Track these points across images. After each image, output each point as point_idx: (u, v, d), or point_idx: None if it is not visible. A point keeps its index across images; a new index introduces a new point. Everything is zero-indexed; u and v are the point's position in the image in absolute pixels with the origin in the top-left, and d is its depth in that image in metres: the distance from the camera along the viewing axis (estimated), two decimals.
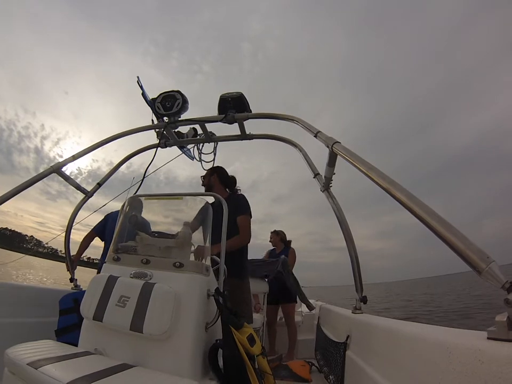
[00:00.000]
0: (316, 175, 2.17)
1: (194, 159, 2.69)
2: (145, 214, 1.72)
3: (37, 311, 2.09)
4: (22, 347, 1.11)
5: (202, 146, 2.66)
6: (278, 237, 3.99)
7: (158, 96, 2.23)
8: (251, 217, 2.24)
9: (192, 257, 1.50)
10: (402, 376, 1.11)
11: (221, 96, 2.26)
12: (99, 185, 2.55)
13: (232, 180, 2.42)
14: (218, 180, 2.37)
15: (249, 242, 2.24)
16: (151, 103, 2.23)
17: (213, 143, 2.60)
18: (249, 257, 2.43)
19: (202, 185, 2.41)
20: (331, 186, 2.06)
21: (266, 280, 3.46)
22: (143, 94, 2.25)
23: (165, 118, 2.31)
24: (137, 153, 2.62)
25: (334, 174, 1.94)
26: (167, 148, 2.59)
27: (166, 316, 1.13)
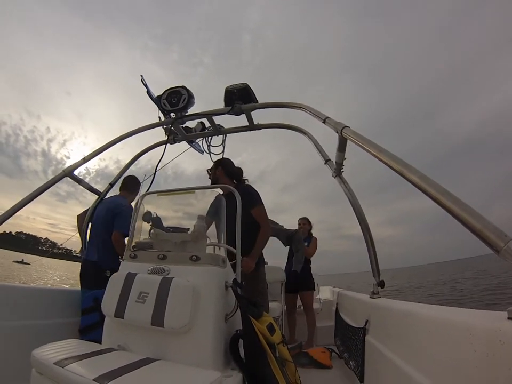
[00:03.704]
0: (327, 161, 2.15)
1: (204, 152, 2.70)
2: (158, 210, 1.74)
3: (58, 312, 2.15)
4: (48, 347, 1.14)
5: (211, 139, 2.66)
6: (309, 227, 3.97)
7: (163, 92, 2.24)
8: (263, 205, 2.25)
9: (208, 250, 1.50)
10: (423, 358, 1.11)
11: (226, 88, 2.24)
12: (111, 185, 2.59)
13: (239, 171, 2.41)
14: (223, 172, 2.36)
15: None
16: (157, 100, 2.24)
17: (222, 135, 2.59)
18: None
19: (209, 178, 2.42)
20: (342, 171, 2.04)
21: (283, 269, 3.54)
22: (148, 92, 2.25)
23: (172, 114, 2.31)
24: (147, 151, 2.65)
25: (345, 159, 1.92)
26: (176, 143, 2.61)
27: (186, 309, 1.14)
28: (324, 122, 1.81)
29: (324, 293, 4.54)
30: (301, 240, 3.61)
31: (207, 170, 2.44)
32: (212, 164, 2.48)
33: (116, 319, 1.25)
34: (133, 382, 0.91)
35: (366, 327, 1.85)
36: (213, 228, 1.65)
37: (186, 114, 2.26)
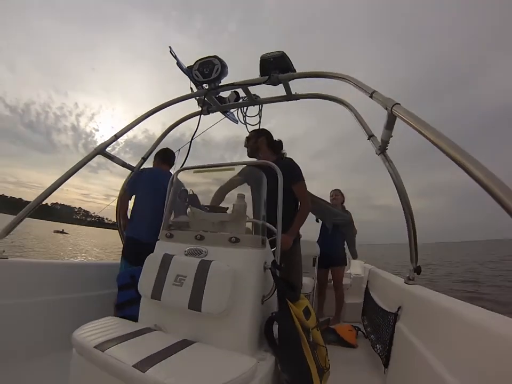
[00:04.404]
0: (370, 136, 2.02)
1: (239, 122, 2.60)
2: (194, 187, 1.73)
3: (96, 285, 2.28)
4: (87, 328, 1.17)
5: (247, 109, 2.55)
6: (342, 198, 3.82)
7: (195, 63, 2.12)
8: (305, 181, 2.17)
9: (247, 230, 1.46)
10: (453, 358, 1.08)
11: (261, 57, 2.09)
12: (144, 159, 2.59)
13: (279, 144, 2.31)
14: (266, 142, 2.26)
15: None
16: (188, 71, 2.13)
17: (258, 105, 2.47)
18: None
19: (246, 146, 2.30)
20: (387, 149, 1.91)
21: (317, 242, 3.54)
22: (178, 63, 2.14)
23: (205, 85, 2.22)
24: (180, 122, 2.60)
25: (392, 136, 1.77)
26: (210, 114, 2.53)
27: (225, 295, 1.14)
28: (371, 96, 1.65)
29: (355, 268, 4.49)
30: (353, 226, 3.64)
31: (246, 138, 2.32)
32: (241, 131, 2.40)
33: (153, 300, 1.27)
34: (171, 368, 0.92)
35: (398, 313, 1.82)
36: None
37: (220, 85, 2.15)
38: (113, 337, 1.10)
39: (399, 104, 1.47)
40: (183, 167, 1.71)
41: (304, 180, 2.16)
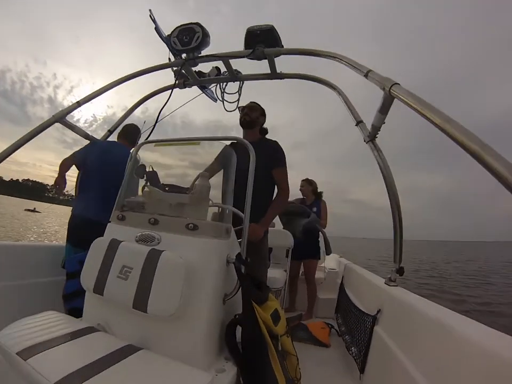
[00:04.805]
0: (359, 122, 1.84)
1: (218, 101, 2.38)
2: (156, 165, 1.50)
3: (43, 270, 2.00)
4: (18, 327, 0.97)
5: (226, 85, 2.31)
6: (310, 187, 3.59)
7: (174, 30, 1.86)
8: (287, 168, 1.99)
9: (209, 217, 1.26)
10: (438, 371, 1.01)
11: (248, 29, 1.86)
12: (110, 132, 2.33)
13: (267, 131, 2.11)
14: (262, 123, 2.06)
15: None
16: (167, 39, 1.88)
17: (238, 82, 2.24)
18: None
19: (244, 113, 1.99)
20: (377, 137, 1.73)
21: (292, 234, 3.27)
22: (157, 29, 1.89)
23: (183, 55, 1.97)
24: (153, 95, 2.32)
25: (384, 123, 1.59)
26: (186, 88, 2.28)
27: (175, 293, 0.92)
28: (366, 75, 1.46)
29: (330, 261, 4.31)
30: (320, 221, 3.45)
31: (243, 107, 2.03)
32: (221, 113, 2.18)
33: (95, 294, 1.06)
34: None
35: (376, 317, 1.68)
36: (217, 189, 1.42)
37: (199, 55, 1.91)
38: (46, 339, 0.90)
39: (399, 84, 1.29)
40: (145, 140, 1.47)
41: (286, 166, 1.97)
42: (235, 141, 1.46)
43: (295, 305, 3.46)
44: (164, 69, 2.02)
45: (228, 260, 1.11)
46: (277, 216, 3.40)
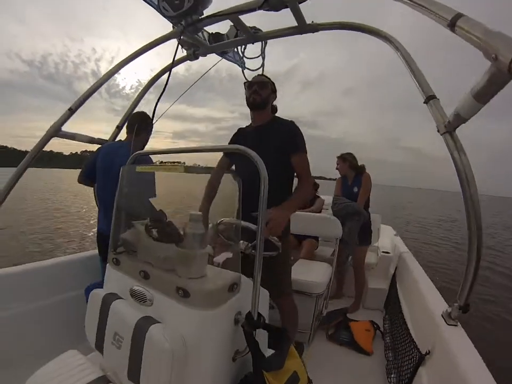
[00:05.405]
0: (430, 98, 1.20)
1: (241, 65, 1.97)
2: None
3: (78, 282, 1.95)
4: (40, 376, 0.93)
5: (245, 48, 1.88)
6: (346, 164, 2.95)
7: None
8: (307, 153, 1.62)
9: (211, 270, 0.97)
10: None
11: None
12: (118, 128, 2.08)
13: (276, 109, 1.73)
14: (273, 100, 1.69)
15: None
16: (156, 4, 1.46)
17: (260, 42, 1.78)
18: None
19: (253, 90, 1.61)
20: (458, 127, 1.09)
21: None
22: None
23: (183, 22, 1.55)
24: (162, 74, 1.94)
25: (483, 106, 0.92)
26: (200, 58, 1.90)
27: (163, 381, 0.77)
28: (451, 27, 0.85)
29: (384, 239, 3.70)
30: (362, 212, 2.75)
31: (258, 82, 1.64)
32: (263, 76, 1.74)
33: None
34: None
35: (424, 358, 1.37)
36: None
37: (200, 18, 1.46)
38: None
39: None
40: (141, 151, 1.22)
41: (306, 152, 1.59)
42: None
43: (342, 290, 3.16)
44: (162, 44, 1.63)
45: (236, 319, 0.90)
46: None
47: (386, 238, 3.77)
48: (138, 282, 0.97)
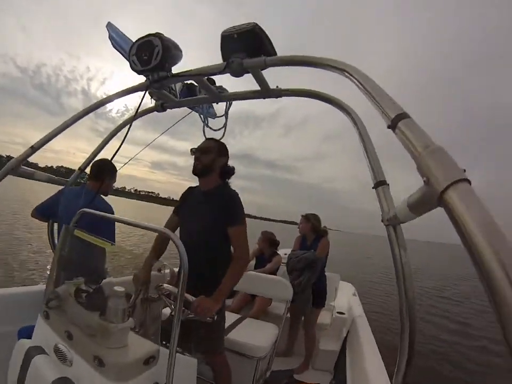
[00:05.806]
0: (379, 184, 1.09)
1: (204, 125, 1.99)
2: None
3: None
4: None
5: (209, 107, 1.96)
6: (309, 225, 2.88)
7: (133, 44, 1.48)
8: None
9: (132, 337, 0.99)
10: None
11: (222, 34, 1.40)
12: (80, 170, 2.06)
13: (232, 170, 1.75)
14: (223, 164, 1.72)
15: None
16: (127, 56, 1.53)
17: (225, 102, 1.84)
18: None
19: (196, 156, 1.69)
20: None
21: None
22: (114, 44, 1.54)
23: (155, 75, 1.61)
24: (132, 121, 1.89)
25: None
26: (167, 110, 1.88)
27: None
28: (389, 127, 0.79)
29: (342, 297, 3.55)
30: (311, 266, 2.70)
31: (201, 148, 1.72)
32: (207, 140, 1.81)
33: None
34: None
35: None
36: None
37: (163, 75, 1.52)
38: None
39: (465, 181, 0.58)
40: (86, 209, 1.24)
41: (245, 224, 1.62)
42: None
43: (293, 348, 2.99)
44: (129, 94, 1.69)
45: None
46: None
47: (344, 297, 3.66)
48: (63, 341, 1.00)
